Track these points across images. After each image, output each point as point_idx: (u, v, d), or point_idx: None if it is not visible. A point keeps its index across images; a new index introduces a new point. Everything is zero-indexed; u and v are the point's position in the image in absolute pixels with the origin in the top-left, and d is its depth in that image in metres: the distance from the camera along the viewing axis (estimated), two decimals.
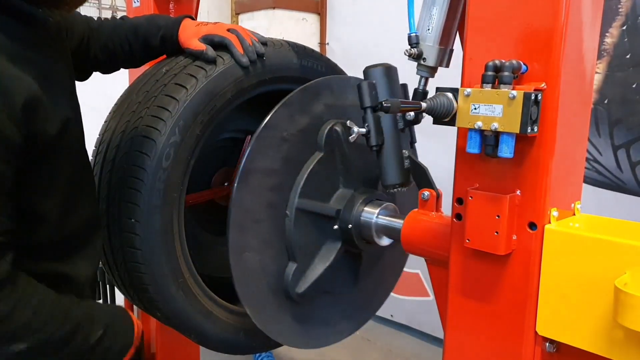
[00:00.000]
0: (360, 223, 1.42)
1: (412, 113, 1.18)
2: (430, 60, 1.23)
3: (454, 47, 1.27)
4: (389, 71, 1.23)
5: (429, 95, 1.15)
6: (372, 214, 1.42)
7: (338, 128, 1.43)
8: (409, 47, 1.22)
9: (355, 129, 1.17)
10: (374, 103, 1.18)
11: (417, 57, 1.22)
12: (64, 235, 1.09)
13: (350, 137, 1.19)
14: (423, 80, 1.26)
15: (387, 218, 1.42)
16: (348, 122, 1.22)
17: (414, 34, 1.21)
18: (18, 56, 0.93)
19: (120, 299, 1.83)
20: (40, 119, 0.95)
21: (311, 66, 1.58)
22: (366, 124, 1.19)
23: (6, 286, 0.89)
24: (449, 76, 1.32)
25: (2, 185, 0.90)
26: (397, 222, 1.38)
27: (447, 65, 1.26)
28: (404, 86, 1.28)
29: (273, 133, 1.34)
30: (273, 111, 1.34)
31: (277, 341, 1.46)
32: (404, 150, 1.24)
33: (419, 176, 1.27)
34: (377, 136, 1.19)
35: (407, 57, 1.23)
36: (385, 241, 1.44)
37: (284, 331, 1.45)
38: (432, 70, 1.25)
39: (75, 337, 0.99)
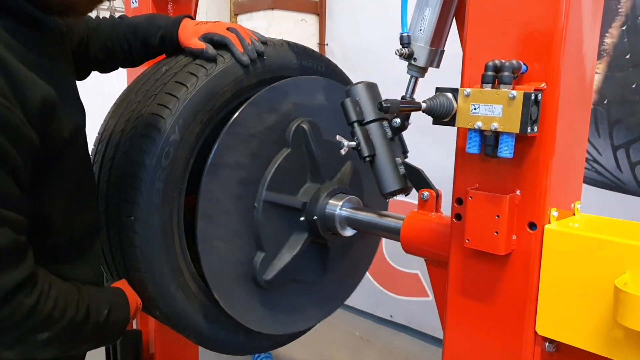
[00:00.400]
0: (325, 215, 1.50)
1: (398, 120, 1.23)
2: (421, 60, 1.25)
3: (444, 49, 1.28)
4: (370, 87, 1.29)
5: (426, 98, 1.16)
6: (335, 206, 1.50)
7: (305, 126, 1.49)
8: (401, 46, 1.23)
9: (345, 142, 1.23)
10: (360, 117, 1.25)
11: (408, 57, 1.25)
12: (66, 239, 1.10)
13: (341, 151, 1.24)
14: (413, 80, 1.28)
15: (350, 210, 1.50)
16: (337, 136, 1.27)
17: (406, 34, 1.23)
18: (30, 61, 0.95)
19: None
20: (55, 121, 0.97)
21: (311, 66, 1.60)
22: (355, 137, 1.24)
23: (31, 282, 0.95)
24: (448, 76, 1.32)
25: (20, 185, 0.91)
26: (359, 214, 1.47)
27: (438, 66, 1.28)
28: None
29: (241, 130, 1.38)
30: (241, 109, 1.38)
31: (247, 325, 1.49)
32: (397, 158, 1.27)
33: (416, 179, 1.29)
34: (367, 147, 1.24)
35: (398, 57, 1.26)
36: (348, 232, 1.53)
37: (253, 316, 1.50)
38: (422, 71, 1.28)
39: (88, 319, 1.07)
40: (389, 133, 1.26)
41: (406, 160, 1.32)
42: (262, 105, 1.42)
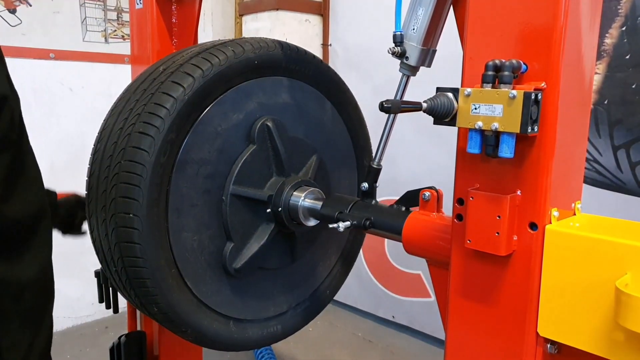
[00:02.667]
0: (289, 206, 1.58)
1: (365, 184, 1.44)
2: (412, 59, 1.26)
3: (436, 48, 1.30)
4: (333, 196, 1.57)
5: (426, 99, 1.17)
6: (299, 198, 1.57)
7: (269, 123, 1.56)
8: (393, 45, 1.24)
9: (341, 224, 1.40)
10: (340, 210, 1.46)
11: (400, 56, 1.26)
12: (7, 220, 1.00)
13: (339, 229, 1.40)
14: (404, 79, 1.30)
15: (312, 201, 1.58)
16: (330, 226, 1.43)
17: (399, 33, 1.25)
18: None
19: (122, 302, 1.84)
20: None
21: (298, 69, 1.66)
22: (346, 220, 1.41)
23: None
24: (448, 77, 1.32)
25: None
26: (320, 205, 1.57)
27: (429, 66, 1.29)
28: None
29: (207, 128, 1.44)
30: (207, 109, 1.43)
31: (218, 310, 1.54)
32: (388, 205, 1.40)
33: (411, 200, 1.36)
34: (362, 220, 1.39)
35: (390, 55, 1.28)
36: (311, 222, 1.61)
37: (223, 302, 1.55)
38: (414, 70, 1.30)
39: None
40: (370, 201, 1.44)
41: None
42: (228, 105, 1.48)
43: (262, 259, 1.59)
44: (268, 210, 1.57)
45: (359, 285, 3.95)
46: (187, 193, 1.42)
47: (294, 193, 1.58)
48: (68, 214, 1.72)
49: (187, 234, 1.44)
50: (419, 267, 3.56)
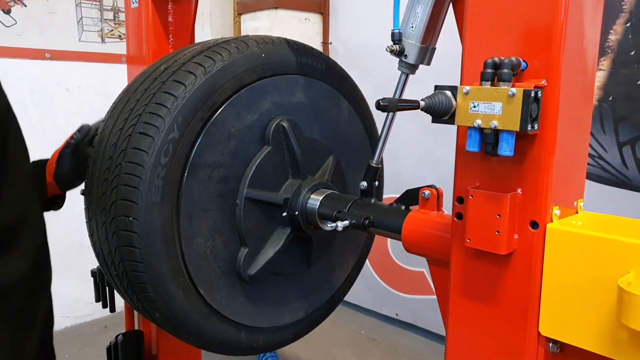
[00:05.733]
0: (306, 209, 1.54)
1: (364, 183, 1.43)
2: (411, 57, 1.26)
3: (436, 46, 1.29)
4: (331, 195, 1.54)
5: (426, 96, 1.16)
6: (316, 201, 1.53)
7: (285, 124, 1.51)
8: (392, 43, 1.23)
9: (340, 223, 1.39)
10: (338, 210, 1.45)
11: (399, 54, 1.25)
12: None
13: (337, 229, 1.39)
14: (403, 77, 1.28)
15: None
16: (328, 225, 1.43)
17: (397, 31, 1.24)
18: None
19: (119, 301, 1.83)
20: None
21: (310, 63, 1.61)
22: (345, 219, 1.40)
23: None
24: (448, 75, 1.30)
25: None
26: None
27: (428, 64, 1.28)
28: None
29: (220, 130, 1.40)
30: (220, 110, 1.39)
31: (232, 319, 1.51)
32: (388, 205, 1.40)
33: (411, 198, 1.36)
34: (362, 219, 1.38)
35: (389, 53, 1.28)
36: (329, 226, 1.57)
37: (238, 309, 1.51)
38: (413, 68, 1.29)
39: None
40: (370, 200, 1.43)
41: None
42: (241, 105, 1.44)
43: (277, 265, 1.55)
44: (284, 214, 1.53)
45: (362, 283, 3.95)
46: (199, 197, 1.38)
47: (311, 196, 1.54)
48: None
49: (200, 240, 1.40)
50: (422, 265, 3.55)
